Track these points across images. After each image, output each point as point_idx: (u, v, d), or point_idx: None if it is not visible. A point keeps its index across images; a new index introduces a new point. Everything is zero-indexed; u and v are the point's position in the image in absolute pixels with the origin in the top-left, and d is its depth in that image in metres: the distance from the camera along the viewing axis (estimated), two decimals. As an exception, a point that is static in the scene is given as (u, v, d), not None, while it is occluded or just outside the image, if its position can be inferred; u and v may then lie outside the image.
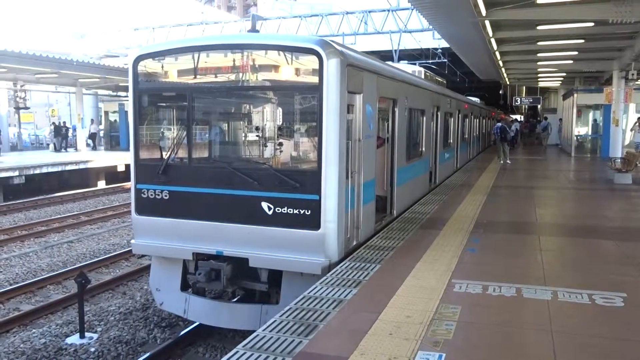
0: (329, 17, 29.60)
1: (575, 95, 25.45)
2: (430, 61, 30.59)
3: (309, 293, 5.46)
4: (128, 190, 19.80)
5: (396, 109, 9.31)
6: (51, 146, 31.59)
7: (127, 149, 8.19)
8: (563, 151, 29.17)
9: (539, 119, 45.62)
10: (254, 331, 4.58)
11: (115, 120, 33.46)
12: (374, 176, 8.00)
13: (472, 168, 19.43)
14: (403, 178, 9.90)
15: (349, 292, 5.46)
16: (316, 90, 6.41)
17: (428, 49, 30.04)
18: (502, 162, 21.14)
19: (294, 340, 4.32)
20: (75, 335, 7.68)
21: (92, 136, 32.56)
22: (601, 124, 25.20)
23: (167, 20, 34.66)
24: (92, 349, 7.22)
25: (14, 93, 32.40)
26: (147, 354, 6.96)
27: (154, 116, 8.05)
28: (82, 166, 23.42)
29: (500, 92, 42.27)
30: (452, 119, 16.64)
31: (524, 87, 42.15)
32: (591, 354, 4.16)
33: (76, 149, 29.95)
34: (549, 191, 13.67)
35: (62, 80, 27.55)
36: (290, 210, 6.57)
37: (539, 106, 43.19)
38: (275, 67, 6.91)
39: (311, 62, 6.45)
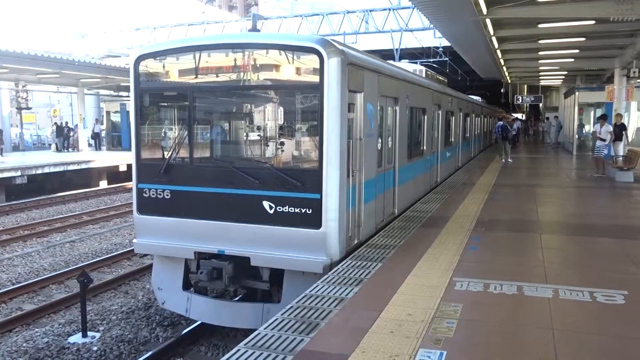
0: (330, 16, 29.59)
1: (576, 93, 25.41)
2: (431, 60, 30.58)
3: (310, 291, 5.47)
4: (130, 190, 19.85)
5: (397, 108, 9.32)
6: (53, 146, 31.65)
7: (129, 149, 8.21)
8: (564, 149, 29.13)
9: (540, 117, 45.61)
10: (255, 330, 4.60)
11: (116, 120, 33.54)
12: (375, 175, 8.01)
13: (474, 166, 19.43)
14: (404, 177, 9.91)
15: (351, 290, 5.47)
16: (317, 89, 6.42)
17: (429, 48, 30.03)
18: (503, 160, 21.13)
19: (295, 338, 4.34)
20: (78, 334, 7.70)
21: (96, 136, 32.58)
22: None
23: (168, 20, 34.69)
24: (95, 348, 7.24)
25: (16, 93, 32.49)
26: (150, 353, 6.97)
27: (155, 116, 8.07)
28: (84, 166, 23.46)
29: (502, 90, 42.23)
30: (453, 118, 16.64)
31: (526, 86, 42.12)
32: (592, 351, 4.16)
33: (78, 149, 29.98)
34: (550, 189, 13.66)
35: (64, 81, 27.60)
36: (291, 209, 6.58)
37: (540, 104, 43.15)
38: (276, 67, 6.92)
39: (312, 61, 6.46)
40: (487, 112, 32.00)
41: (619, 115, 19.93)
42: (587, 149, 26.78)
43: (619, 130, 18.55)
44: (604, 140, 16.09)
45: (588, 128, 27.94)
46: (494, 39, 16.28)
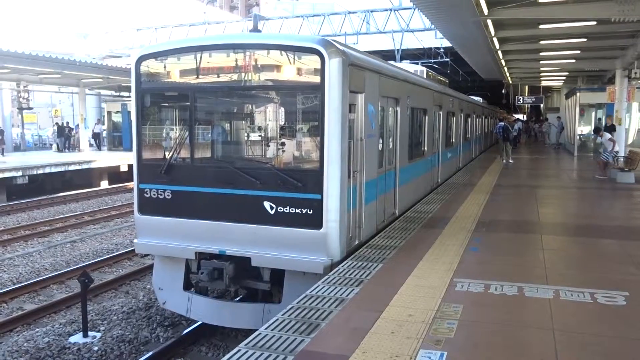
0: (331, 16, 29.62)
1: (577, 94, 25.39)
2: (432, 60, 30.61)
3: (311, 292, 5.47)
4: (131, 190, 19.86)
5: (398, 109, 9.32)
6: (54, 146, 31.67)
7: (130, 149, 8.22)
8: (566, 150, 29.12)
9: (541, 117, 45.66)
10: (256, 330, 4.60)
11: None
12: (375, 176, 8.01)
13: (475, 167, 19.43)
14: (405, 177, 9.91)
15: (351, 291, 5.47)
16: (318, 89, 6.43)
17: (430, 49, 30.05)
18: (504, 161, 21.13)
19: (296, 338, 4.34)
20: (79, 334, 7.71)
21: (96, 136, 32.60)
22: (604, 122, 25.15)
23: (169, 21, 34.73)
24: (95, 348, 7.25)
25: (17, 93, 32.51)
26: (150, 353, 6.98)
27: (156, 116, 8.07)
28: (85, 166, 23.47)
29: (503, 91, 42.25)
30: (454, 119, 16.64)
31: (527, 86, 42.11)
32: (593, 352, 4.16)
33: (79, 149, 30.00)
34: (551, 190, 13.66)
35: (65, 81, 27.61)
36: (292, 210, 6.58)
37: (541, 105, 43.14)
38: (278, 67, 6.93)
39: (313, 61, 6.46)
40: (488, 112, 31.99)
41: (610, 117, 19.96)
42: (588, 150, 26.79)
43: (609, 131, 18.54)
44: (610, 149, 16.13)
45: (587, 130, 27.97)
46: (495, 39, 16.27)
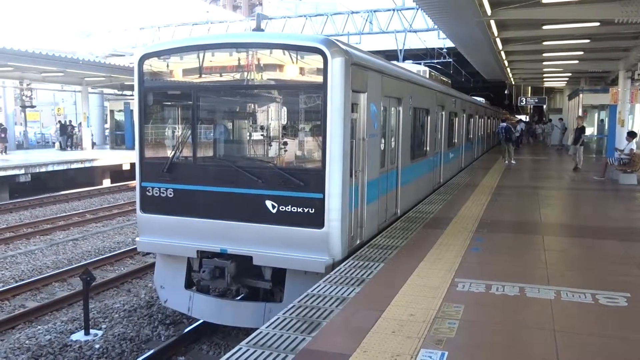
0: (334, 16, 29.61)
1: (580, 95, 25.38)
2: (435, 61, 30.56)
3: (312, 291, 5.48)
4: (133, 188, 19.89)
5: (400, 108, 9.32)
6: (57, 144, 31.74)
7: (133, 148, 8.23)
8: (568, 151, 29.08)
9: (544, 119, 45.58)
10: (257, 329, 4.61)
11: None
12: (377, 175, 8.01)
13: (477, 168, 19.41)
14: (407, 177, 9.90)
15: (352, 290, 5.48)
16: (321, 89, 6.43)
17: (433, 49, 30.01)
18: (506, 162, 21.11)
19: (297, 337, 4.34)
20: (80, 332, 7.72)
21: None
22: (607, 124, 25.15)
23: (172, 20, 34.75)
24: (97, 346, 7.27)
25: (20, 92, 32.66)
26: (151, 351, 6.99)
27: (159, 115, 8.08)
28: (87, 164, 23.52)
29: (506, 92, 42.18)
30: (456, 119, 16.63)
31: (530, 87, 42.07)
32: (594, 353, 4.16)
33: (82, 148, 30.05)
34: (553, 191, 13.64)
35: (68, 79, 27.69)
36: (294, 209, 6.59)
37: (544, 106, 43.09)
38: (280, 66, 6.93)
39: (316, 61, 6.46)
40: (491, 113, 31.95)
41: (580, 118, 19.85)
42: (590, 151, 26.76)
43: (579, 134, 18.43)
44: (622, 150, 16.09)
45: (590, 131, 27.93)
46: (498, 40, 16.28)
